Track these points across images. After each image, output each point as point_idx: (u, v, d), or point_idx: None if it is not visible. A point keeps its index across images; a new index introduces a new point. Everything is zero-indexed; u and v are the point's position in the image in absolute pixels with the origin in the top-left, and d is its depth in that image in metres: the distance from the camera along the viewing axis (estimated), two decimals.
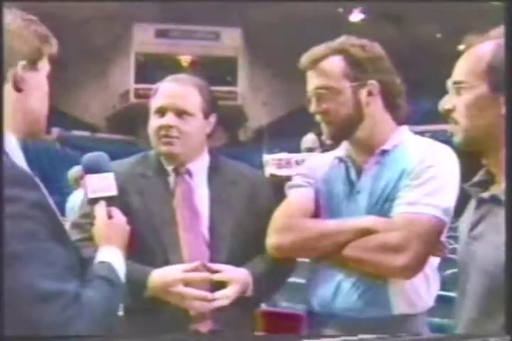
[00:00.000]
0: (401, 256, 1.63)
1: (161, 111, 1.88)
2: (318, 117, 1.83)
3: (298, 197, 1.86)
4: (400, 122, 1.87)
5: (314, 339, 1.67)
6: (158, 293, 1.76)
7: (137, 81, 24.61)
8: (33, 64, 1.32)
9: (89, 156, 1.57)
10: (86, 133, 22.66)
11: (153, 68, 22.71)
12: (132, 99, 24.42)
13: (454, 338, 1.34)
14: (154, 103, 1.91)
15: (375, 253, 1.67)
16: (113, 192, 1.52)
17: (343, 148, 1.87)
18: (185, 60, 24.79)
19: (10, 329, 1.11)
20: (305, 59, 1.83)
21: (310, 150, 12.27)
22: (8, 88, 1.29)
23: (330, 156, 1.91)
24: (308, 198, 1.85)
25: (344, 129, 1.81)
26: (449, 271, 4.05)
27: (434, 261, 1.77)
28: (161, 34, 24.65)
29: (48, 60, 1.39)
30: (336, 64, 1.80)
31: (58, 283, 1.15)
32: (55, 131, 21.04)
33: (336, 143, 1.90)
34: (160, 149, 1.89)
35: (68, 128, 22.19)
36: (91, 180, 1.53)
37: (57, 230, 1.23)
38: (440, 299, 1.82)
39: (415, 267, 1.66)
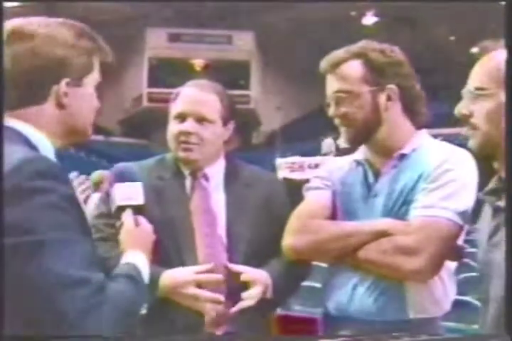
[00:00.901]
0: (416, 259, 1.63)
1: (182, 117, 1.89)
2: (336, 121, 1.83)
3: (315, 199, 1.87)
4: (419, 126, 1.87)
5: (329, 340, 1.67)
6: (168, 294, 1.77)
7: (150, 85, 24.75)
8: (78, 80, 1.34)
9: (118, 166, 1.62)
10: (99, 137, 22.77)
11: (166, 72, 22.85)
12: (145, 103, 24.56)
13: (456, 339, 1.34)
14: (175, 108, 1.92)
15: (391, 256, 1.66)
16: (140, 201, 1.56)
17: (362, 152, 1.87)
18: (198, 63, 24.88)
19: (34, 314, 1.13)
20: (325, 63, 1.83)
21: (327, 154, 12.33)
22: (50, 103, 1.31)
23: (348, 159, 1.91)
24: (325, 200, 1.86)
25: (362, 133, 1.80)
26: (463, 275, 4.03)
27: (450, 265, 1.76)
28: (173, 38, 24.78)
29: (98, 71, 1.40)
30: (355, 68, 1.79)
31: (85, 271, 1.17)
32: None
33: (354, 147, 1.89)
34: (178, 155, 1.90)
35: None
36: (120, 188, 1.57)
37: (84, 225, 1.25)
38: (455, 303, 1.81)
39: (430, 270, 1.66)
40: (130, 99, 25.37)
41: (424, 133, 1.86)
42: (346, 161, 1.91)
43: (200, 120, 1.87)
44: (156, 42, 24.62)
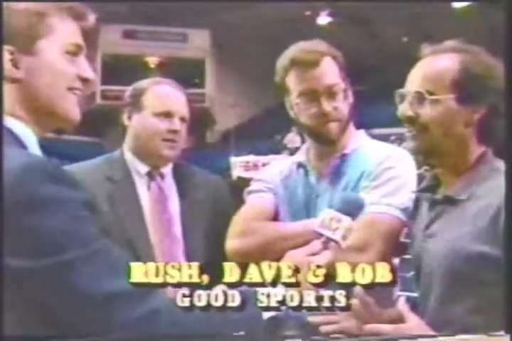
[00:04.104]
0: (364, 255, 1.65)
1: (167, 115, 1.90)
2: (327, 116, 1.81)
3: (258, 202, 1.87)
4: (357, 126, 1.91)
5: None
6: None
7: (104, 82, 24.42)
8: (26, 46, 1.14)
9: None
10: (51, 135, 22.38)
11: (121, 69, 22.57)
12: (98, 101, 24.21)
13: (452, 336, 1.37)
14: (155, 105, 1.92)
15: (339, 254, 1.67)
16: None
17: (302, 153, 1.89)
18: (152, 61, 24.65)
19: (87, 336, 1.05)
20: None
21: (291, 148, 12.42)
22: (6, 81, 1.13)
23: (289, 161, 1.93)
24: (268, 203, 1.86)
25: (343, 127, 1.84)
26: (412, 273, 4.09)
27: (394, 262, 1.79)
28: (128, 35, 24.49)
29: (68, 34, 1.20)
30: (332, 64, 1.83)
31: (121, 280, 1.08)
32: None
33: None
34: (162, 152, 1.90)
35: None
36: None
37: (107, 229, 1.17)
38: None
39: None
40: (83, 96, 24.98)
41: (362, 133, 1.89)
42: (287, 164, 1.92)
43: (182, 119, 1.90)
44: (110, 39, 24.30)
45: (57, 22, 1.19)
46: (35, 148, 1.18)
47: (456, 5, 17.88)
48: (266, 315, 1.21)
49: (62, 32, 1.19)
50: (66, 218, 1.03)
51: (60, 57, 1.19)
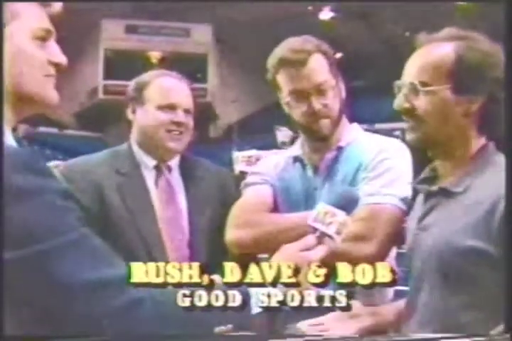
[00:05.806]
0: (369, 245, 1.67)
1: (171, 108, 1.90)
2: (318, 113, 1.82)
3: (256, 194, 1.88)
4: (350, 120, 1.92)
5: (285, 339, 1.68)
6: None
7: (106, 77, 24.40)
8: None
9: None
10: (53, 130, 22.37)
11: (123, 64, 22.55)
12: (101, 96, 24.20)
13: (453, 337, 1.37)
14: (158, 98, 1.92)
15: (343, 243, 1.68)
16: None
17: (298, 147, 1.90)
18: (154, 56, 24.62)
19: (67, 326, 1.05)
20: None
21: (284, 143, 12.37)
22: None
23: (284, 155, 1.94)
24: (265, 195, 1.87)
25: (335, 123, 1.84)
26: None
27: (392, 253, 1.81)
28: (130, 30, 24.44)
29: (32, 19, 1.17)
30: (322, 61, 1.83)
31: (105, 269, 1.07)
32: (22, 127, 20.76)
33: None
34: (167, 144, 1.91)
35: (35, 124, 21.94)
36: None
37: (86, 217, 1.13)
38: (401, 293, 1.84)
39: (382, 256, 1.69)
40: (85, 91, 24.98)
41: (356, 126, 1.90)
42: (282, 157, 1.93)
43: (187, 111, 1.90)
44: (113, 34, 24.26)
45: (21, 7, 1.17)
46: (8, 139, 1.14)
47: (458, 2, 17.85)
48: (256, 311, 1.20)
49: (28, 17, 1.17)
50: (41, 208, 1.02)
51: (30, 44, 1.17)
